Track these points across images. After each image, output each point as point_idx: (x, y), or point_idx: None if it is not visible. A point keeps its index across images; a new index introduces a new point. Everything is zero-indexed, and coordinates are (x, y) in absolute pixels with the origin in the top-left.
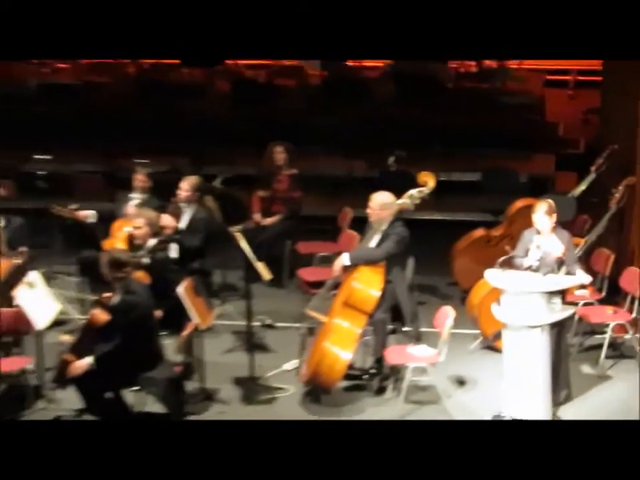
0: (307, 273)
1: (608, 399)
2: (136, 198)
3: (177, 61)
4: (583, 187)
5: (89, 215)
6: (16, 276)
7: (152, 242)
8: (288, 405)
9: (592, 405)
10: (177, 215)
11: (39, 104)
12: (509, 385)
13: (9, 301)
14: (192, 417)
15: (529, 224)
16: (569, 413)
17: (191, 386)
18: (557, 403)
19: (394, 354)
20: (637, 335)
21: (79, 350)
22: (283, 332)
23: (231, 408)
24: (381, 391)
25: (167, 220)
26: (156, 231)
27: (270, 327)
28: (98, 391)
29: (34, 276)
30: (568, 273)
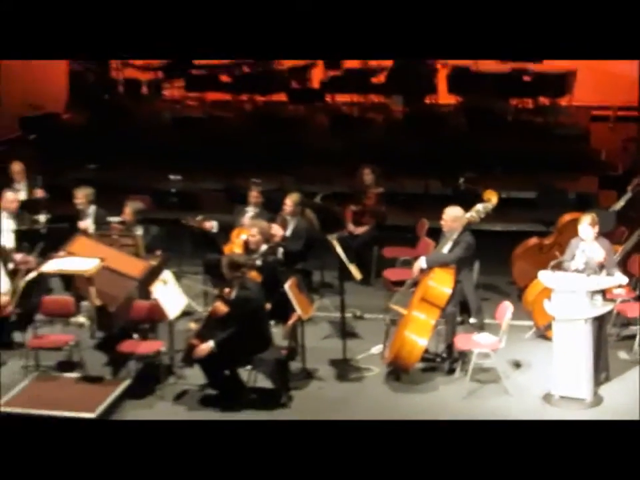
0: (391, 274)
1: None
2: (250, 211)
3: (285, 99)
4: (621, 203)
5: (212, 225)
6: (152, 275)
7: (263, 247)
8: (374, 383)
9: (627, 385)
10: (284, 225)
11: (173, 133)
12: (557, 367)
13: (147, 295)
14: (294, 392)
15: (575, 233)
16: (607, 391)
17: (294, 366)
18: (597, 383)
19: (462, 341)
20: None
21: (203, 335)
22: (370, 322)
23: (327, 384)
24: (451, 371)
25: (275, 229)
26: (267, 238)
27: (360, 317)
28: (218, 369)
29: (167, 275)
30: (608, 275)
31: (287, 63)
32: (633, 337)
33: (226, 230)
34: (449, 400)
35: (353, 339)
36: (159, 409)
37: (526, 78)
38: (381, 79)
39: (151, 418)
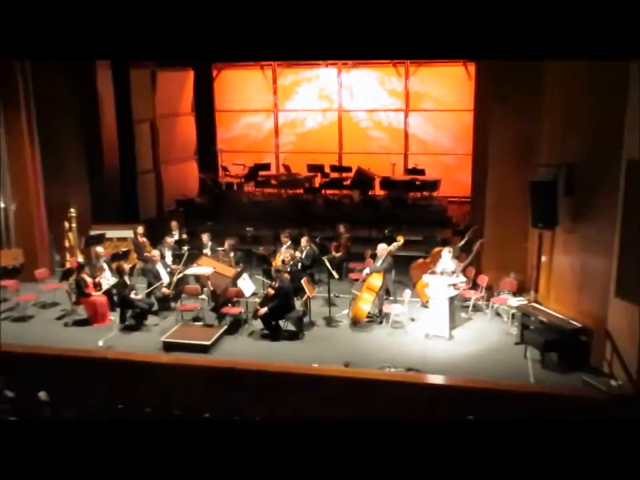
0: (352, 275)
1: (471, 327)
2: (285, 245)
3: (302, 191)
4: (462, 242)
5: (267, 252)
6: (238, 275)
7: (291, 262)
8: (344, 328)
9: (462, 330)
10: (301, 252)
11: (249, 208)
12: (431, 321)
13: (235, 285)
14: (306, 332)
15: (440, 256)
16: (455, 332)
17: (306, 320)
18: (451, 328)
19: (386, 308)
20: (485, 302)
21: (262, 304)
22: (342, 299)
23: (321, 329)
24: (381, 322)
25: (297, 254)
26: (293, 258)
27: (337, 296)
28: (269, 321)
29: (245, 275)
30: (456, 277)
31: (303, 174)
32: (467, 306)
33: (271, 255)
34: (380, 335)
35: (334, 307)
36: (240, 340)
37: (418, 182)
38: (348, 182)
39: (236, 345)
